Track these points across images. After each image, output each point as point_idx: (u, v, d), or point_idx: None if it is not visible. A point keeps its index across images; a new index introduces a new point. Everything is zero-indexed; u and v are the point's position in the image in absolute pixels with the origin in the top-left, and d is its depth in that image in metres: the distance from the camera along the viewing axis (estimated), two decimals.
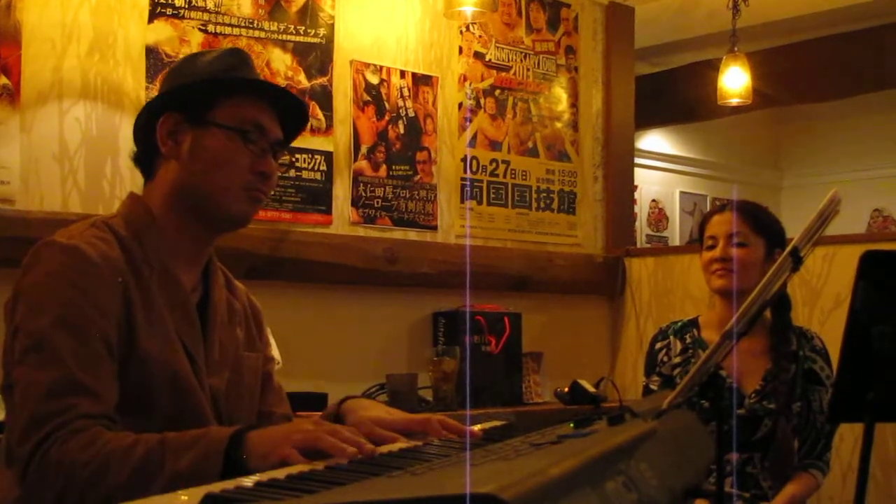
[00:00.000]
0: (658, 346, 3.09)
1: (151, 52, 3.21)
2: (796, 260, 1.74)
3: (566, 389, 3.73)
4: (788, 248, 1.75)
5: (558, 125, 4.37)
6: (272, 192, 3.38)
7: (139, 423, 1.53)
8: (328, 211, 3.60)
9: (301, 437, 1.40)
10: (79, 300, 1.56)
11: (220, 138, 1.74)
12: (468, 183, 4.03)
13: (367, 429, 1.58)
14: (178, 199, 1.75)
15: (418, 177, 3.86)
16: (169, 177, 1.76)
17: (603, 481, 1.00)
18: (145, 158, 1.81)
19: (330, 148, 3.62)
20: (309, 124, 3.51)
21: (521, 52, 4.25)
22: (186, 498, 1.04)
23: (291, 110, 1.85)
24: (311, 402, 3.03)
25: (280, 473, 1.20)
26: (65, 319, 1.55)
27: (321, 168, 3.58)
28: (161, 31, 3.24)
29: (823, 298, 3.72)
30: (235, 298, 1.89)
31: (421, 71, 3.90)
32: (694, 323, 3.08)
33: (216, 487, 1.09)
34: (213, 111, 1.74)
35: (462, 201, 4.01)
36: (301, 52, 3.55)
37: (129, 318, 1.61)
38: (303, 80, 3.55)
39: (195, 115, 1.74)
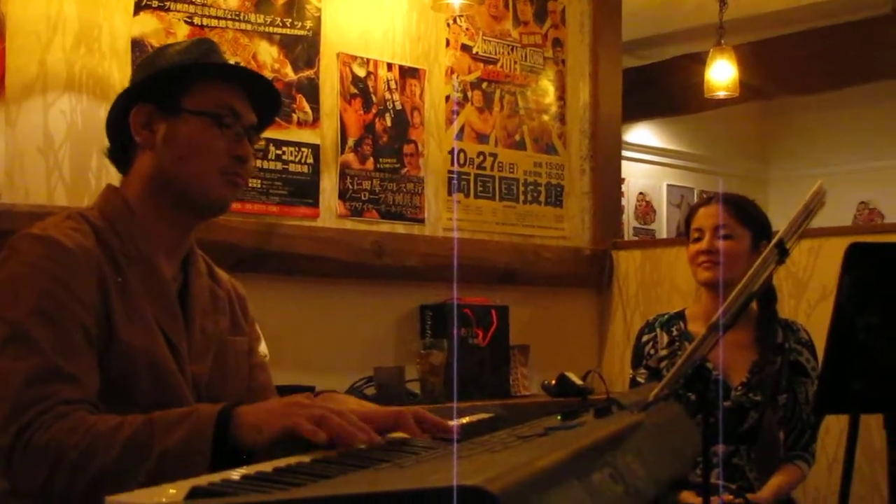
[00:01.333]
0: (645, 338, 3.10)
1: (137, 45, 3.20)
2: (782, 252, 1.75)
3: (553, 382, 3.74)
4: (774, 240, 1.75)
5: (545, 118, 4.38)
6: (260, 185, 3.41)
7: (121, 412, 1.53)
8: (315, 204, 3.60)
9: (306, 413, 1.39)
10: (56, 290, 1.57)
11: (194, 124, 1.75)
12: (455, 176, 4.03)
13: None
14: (155, 189, 1.76)
15: (405, 169, 3.86)
16: (145, 167, 1.77)
17: (590, 473, 1.01)
18: (120, 152, 1.82)
19: (317, 141, 3.61)
20: (295, 117, 3.53)
21: (509, 45, 4.25)
22: (174, 491, 1.04)
23: (264, 97, 1.86)
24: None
25: (267, 466, 1.20)
26: (42, 309, 1.55)
27: (308, 161, 3.58)
28: (147, 24, 3.23)
29: (809, 291, 3.73)
30: (219, 286, 1.90)
31: (408, 63, 3.90)
32: (680, 315, 3.09)
33: (203, 480, 1.09)
34: (185, 98, 1.76)
35: (449, 194, 4.01)
36: (287, 45, 3.55)
37: (108, 308, 1.62)
38: (289, 73, 3.54)
39: (168, 104, 1.76)
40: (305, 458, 1.29)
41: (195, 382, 1.73)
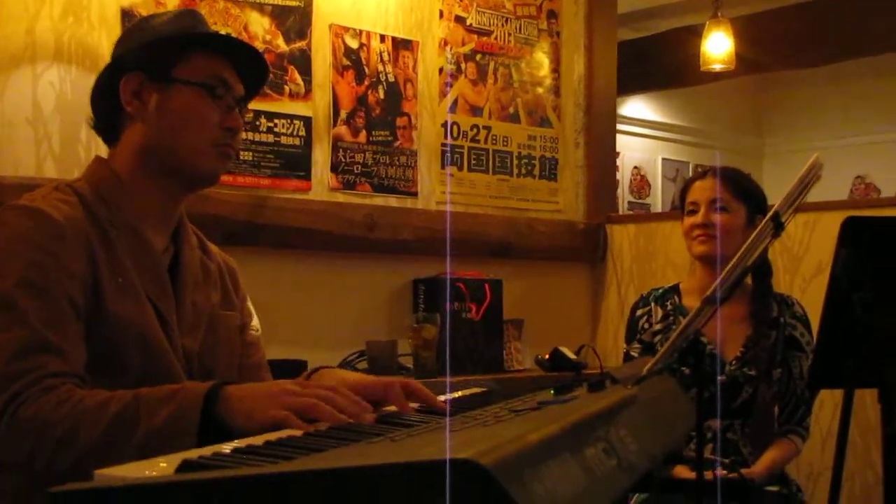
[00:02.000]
0: (639, 312, 3.10)
1: (127, 15, 3.17)
2: (777, 226, 1.74)
3: (547, 356, 3.74)
4: (770, 214, 1.75)
5: (540, 91, 4.36)
6: (251, 157, 3.40)
7: (110, 385, 1.53)
8: (307, 177, 3.59)
9: (295, 402, 1.39)
10: (43, 261, 1.57)
11: (186, 95, 1.75)
12: (449, 149, 4.02)
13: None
14: (146, 160, 1.76)
15: (398, 142, 3.85)
16: (135, 138, 1.77)
17: (583, 447, 1.01)
18: (108, 123, 1.81)
19: (309, 113, 3.60)
20: (287, 89, 3.51)
21: (503, 17, 4.22)
22: (165, 464, 1.04)
23: (251, 68, 1.86)
24: (289, 369, 3.02)
25: (258, 440, 1.20)
26: (29, 280, 1.55)
27: (300, 133, 3.57)
28: None
29: (805, 265, 3.74)
30: (210, 259, 1.90)
31: (401, 35, 3.88)
32: (675, 290, 3.09)
33: (193, 454, 1.09)
34: (177, 68, 1.76)
35: (442, 167, 4.00)
36: (279, 16, 3.53)
37: (96, 280, 1.61)
38: (281, 44, 3.52)
39: (159, 74, 1.75)
40: (297, 432, 1.29)
41: (186, 356, 1.73)
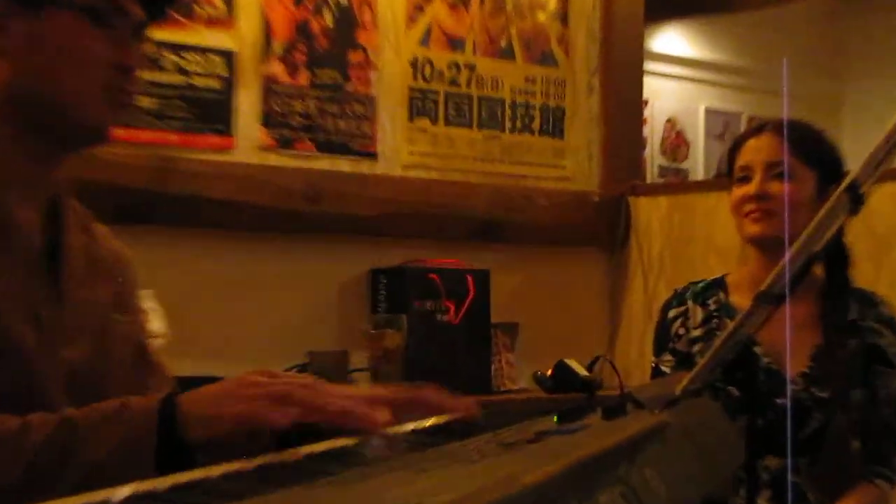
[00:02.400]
0: (672, 314, 3.12)
1: None
2: (856, 199, 1.75)
3: (549, 372, 3.76)
4: (845, 183, 1.76)
5: (541, 17, 4.37)
6: (154, 105, 3.39)
7: None
8: (228, 131, 3.59)
9: (267, 392, 1.41)
10: None
11: (65, 22, 1.73)
12: (419, 95, 4.03)
13: None
14: (10, 109, 1.75)
15: (352, 85, 3.85)
16: None
17: (595, 492, 1.02)
18: None
19: (231, 46, 3.59)
20: (202, 13, 3.51)
21: None
22: None
23: None
24: None
25: (164, 482, 1.20)
26: None
27: (219, 73, 3.56)
28: None
29: (895, 252, 3.76)
30: (97, 244, 1.89)
31: None
32: (720, 283, 3.11)
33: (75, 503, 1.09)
34: None
35: (411, 119, 4.01)
36: None
37: None
38: None
39: None
40: (213, 472, 1.29)
41: (68, 371, 1.72)
